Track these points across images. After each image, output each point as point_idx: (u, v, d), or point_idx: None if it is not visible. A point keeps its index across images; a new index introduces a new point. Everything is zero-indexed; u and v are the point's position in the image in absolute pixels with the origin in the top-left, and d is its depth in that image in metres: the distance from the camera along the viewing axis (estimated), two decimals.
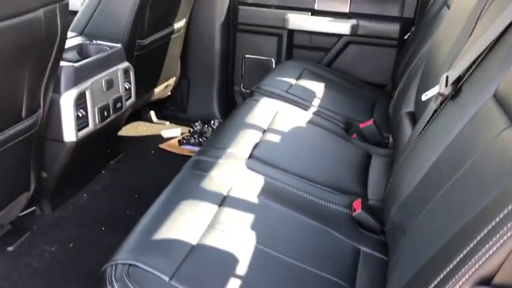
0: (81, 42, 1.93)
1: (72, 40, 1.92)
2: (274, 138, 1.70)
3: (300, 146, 1.73)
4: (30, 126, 1.51)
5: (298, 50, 2.72)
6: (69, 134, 1.70)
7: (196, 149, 2.51)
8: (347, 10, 2.59)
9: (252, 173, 1.45)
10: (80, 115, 1.72)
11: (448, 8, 1.89)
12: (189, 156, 2.41)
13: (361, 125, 1.97)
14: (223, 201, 1.29)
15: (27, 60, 1.36)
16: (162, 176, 2.26)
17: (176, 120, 2.85)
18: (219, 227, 1.19)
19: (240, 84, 2.85)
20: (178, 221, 1.18)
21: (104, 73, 1.83)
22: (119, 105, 1.94)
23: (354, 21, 2.57)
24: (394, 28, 2.53)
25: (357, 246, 1.30)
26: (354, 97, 2.30)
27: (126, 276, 0.99)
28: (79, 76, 1.70)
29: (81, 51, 1.91)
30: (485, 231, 0.76)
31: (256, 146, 1.62)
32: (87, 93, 1.73)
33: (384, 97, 2.43)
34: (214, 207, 1.26)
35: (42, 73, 1.47)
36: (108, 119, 1.88)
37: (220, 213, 1.24)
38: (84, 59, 1.86)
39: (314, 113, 2.00)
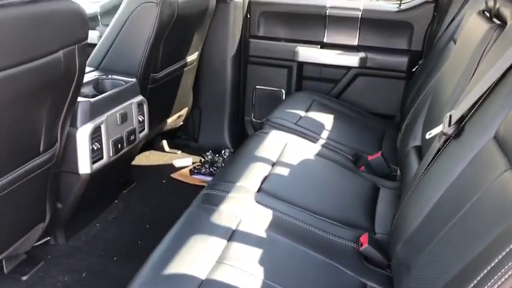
0: (97, 77, 2.00)
1: (89, 75, 2.00)
2: (283, 171, 1.74)
3: (308, 179, 1.76)
4: (47, 160, 1.56)
5: (308, 81, 2.78)
6: (84, 166, 1.76)
7: (207, 178, 2.56)
8: (356, 43, 2.65)
9: (260, 207, 1.48)
10: (95, 148, 1.77)
11: (455, 42, 1.94)
12: (200, 186, 2.48)
13: (370, 158, 2.00)
14: (232, 235, 1.32)
15: (47, 98, 1.42)
16: (173, 206, 2.31)
17: (188, 149, 2.90)
18: (228, 262, 1.21)
19: (250, 114, 2.91)
20: (188, 255, 1.21)
21: (119, 107, 1.89)
22: (132, 137, 2.00)
23: (362, 54, 2.62)
24: (402, 61, 2.58)
25: (363, 281, 1.32)
26: (362, 129, 2.33)
27: None
28: (95, 111, 1.76)
29: (97, 86, 1.98)
30: (485, 271, 0.79)
31: (265, 179, 1.65)
32: (102, 127, 1.79)
33: (393, 129, 2.47)
34: (223, 242, 1.29)
35: (60, 109, 1.53)
36: (122, 151, 1.94)
37: (229, 248, 1.27)
38: (100, 93, 1.93)
39: (323, 146, 2.03)
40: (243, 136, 2.92)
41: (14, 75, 1.21)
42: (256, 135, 2.01)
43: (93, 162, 1.79)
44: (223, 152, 2.73)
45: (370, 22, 2.61)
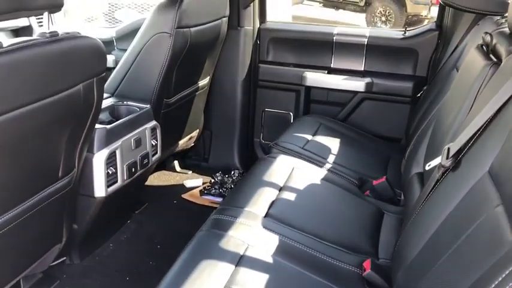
0: (113, 103, 2.09)
1: (105, 101, 2.08)
2: (290, 196, 1.80)
3: (314, 204, 1.83)
4: (65, 185, 1.65)
5: (315, 104, 2.85)
6: (100, 190, 1.84)
7: (217, 199, 2.63)
8: (362, 68, 2.73)
9: (267, 233, 1.55)
10: (110, 172, 1.86)
11: (457, 70, 2.00)
12: (210, 207, 2.55)
13: (375, 182, 2.06)
14: (239, 261, 1.39)
15: (67, 128, 1.51)
16: (184, 226, 2.38)
17: (198, 169, 2.98)
18: (236, 285, 1.28)
19: (259, 136, 2.99)
20: (198, 280, 1.28)
21: (133, 133, 1.98)
22: (145, 161, 2.08)
23: (368, 79, 2.69)
24: (407, 86, 2.65)
25: None
26: (368, 153, 2.39)
27: None
28: (110, 137, 1.85)
29: (113, 112, 2.08)
30: None
31: (272, 204, 1.72)
32: (117, 152, 1.88)
33: (398, 152, 2.51)
34: (231, 267, 1.35)
35: (78, 137, 1.62)
36: (136, 175, 2.02)
37: (237, 273, 1.34)
38: (116, 118, 2.02)
39: (328, 170, 2.10)
40: (252, 157, 2.99)
41: (37, 109, 1.30)
42: (264, 160, 2.08)
43: (108, 186, 1.87)
44: (232, 172, 2.81)
45: (375, 48, 2.68)
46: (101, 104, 1.64)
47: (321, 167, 2.11)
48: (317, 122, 2.56)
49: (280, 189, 1.84)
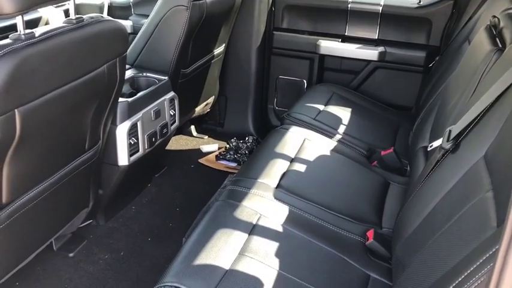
0: (133, 75, 2.19)
1: (126, 73, 2.18)
2: (300, 167, 1.91)
3: (323, 175, 1.93)
4: (92, 156, 1.78)
5: (329, 72, 2.90)
6: (123, 159, 1.97)
7: (232, 164, 2.76)
8: (375, 37, 2.75)
9: (278, 203, 1.67)
10: (132, 142, 1.98)
11: (469, 43, 2.03)
12: (225, 172, 2.68)
13: (383, 153, 2.14)
14: (252, 229, 1.52)
15: (92, 105, 1.62)
16: (201, 190, 2.53)
17: (214, 134, 3.09)
18: (249, 254, 1.41)
19: (273, 102, 3.07)
20: (214, 248, 1.41)
21: (153, 104, 2.08)
22: (165, 131, 2.19)
23: (381, 48, 2.73)
24: (420, 55, 2.68)
25: (367, 272, 1.50)
26: (378, 122, 2.47)
27: None
28: (132, 109, 1.96)
29: (133, 83, 2.17)
30: (463, 276, 0.95)
31: (283, 175, 1.83)
32: (139, 124, 1.99)
33: (408, 122, 2.59)
34: (245, 236, 1.49)
35: (103, 112, 1.73)
36: (156, 144, 2.14)
37: (250, 241, 1.47)
38: (136, 90, 2.12)
39: (339, 141, 2.19)
40: (265, 123, 3.09)
41: (66, 92, 1.41)
42: (277, 131, 2.18)
43: (131, 155, 1.99)
44: (246, 138, 2.91)
45: (390, 17, 2.70)
46: (124, 80, 1.74)
47: (331, 137, 2.20)
48: (330, 91, 2.62)
49: (292, 160, 1.94)
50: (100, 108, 1.69)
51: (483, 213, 1.06)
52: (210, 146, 2.93)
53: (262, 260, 1.40)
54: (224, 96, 3.06)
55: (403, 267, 1.30)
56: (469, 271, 0.94)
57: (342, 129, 2.29)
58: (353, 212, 1.74)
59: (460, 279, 0.96)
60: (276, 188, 1.76)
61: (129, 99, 1.95)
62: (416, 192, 1.51)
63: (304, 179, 1.86)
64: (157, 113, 2.11)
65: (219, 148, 2.93)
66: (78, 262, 2.00)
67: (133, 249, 2.10)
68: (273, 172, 1.84)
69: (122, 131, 1.92)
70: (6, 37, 1.22)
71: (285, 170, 1.87)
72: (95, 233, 2.16)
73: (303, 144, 2.07)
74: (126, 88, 2.12)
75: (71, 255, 2.02)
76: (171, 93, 2.22)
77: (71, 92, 1.42)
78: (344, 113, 2.43)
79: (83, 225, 2.09)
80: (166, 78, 2.20)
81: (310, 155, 2.00)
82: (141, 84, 2.17)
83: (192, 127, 3.07)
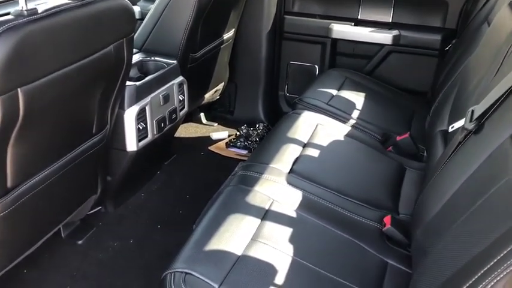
0: (141, 59, 2.14)
1: (133, 57, 2.13)
2: (313, 152, 1.85)
3: (337, 160, 1.87)
4: (99, 140, 1.73)
5: (341, 57, 2.83)
6: (131, 144, 1.92)
7: (242, 151, 2.70)
8: (389, 20, 2.67)
9: (291, 188, 1.61)
10: (141, 127, 1.93)
11: (488, 24, 1.95)
12: (235, 159, 2.63)
13: (398, 138, 2.07)
14: (265, 215, 1.47)
15: (99, 87, 1.57)
16: (211, 178, 2.48)
17: (224, 122, 3.04)
18: (261, 240, 1.36)
19: (284, 89, 3.00)
20: (226, 234, 1.36)
21: (161, 89, 2.03)
22: (174, 116, 2.14)
23: (396, 32, 2.65)
24: (435, 39, 2.59)
25: (384, 259, 1.44)
26: (392, 108, 2.40)
27: (182, 283, 1.19)
28: (140, 93, 1.91)
29: (141, 67, 2.12)
30: (488, 266, 0.89)
31: (296, 160, 1.78)
32: (147, 108, 1.94)
33: (423, 107, 2.51)
34: (257, 221, 1.43)
35: (110, 95, 1.68)
36: (165, 130, 2.09)
37: (263, 226, 1.42)
38: (144, 74, 2.07)
39: (352, 126, 2.12)
40: (276, 110, 3.02)
41: (71, 72, 1.36)
42: (289, 116, 2.12)
43: (139, 140, 1.95)
44: (257, 125, 2.86)
45: None
46: (131, 62, 1.69)
47: (344, 123, 2.14)
48: (342, 75, 2.55)
49: (304, 145, 1.89)
50: (107, 91, 1.64)
51: (510, 196, 0.99)
52: (220, 134, 2.88)
53: (276, 246, 1.35)
54: (234, 83, 2.99)
55: (425, 254, 1.24)
56: (496, 259, 0.88)
57: (355, 114, 2.22)
58: (369, 198, 1.68)
59: (485, 268, 0.90)
60: (289, 173, 1.70)
61: (137, 83, 1.90)
62: (436, 175, 1.45)
63: (317, 164, 1.80)
64: (166, 98, 2.06)
65: (229, 135, 2.88)
66: (87, 250, 1.97)
67: (143, 236, 2.06)
68: (286, 157, 1.78)
69: (130, 115, 1.87)
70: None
71: (297, 155, 1.81)
72: (103, 220, 2.12)
73: (315, 129, 2.00)
74: (134, 72, 2.07)
75: (79, 242, 1.99)
76: (180, 78, 2.17)
77: (77, 73, 1.37)
78: (357, 98, 2.36)
79: (91, 212, 2.05)
80: (175, 62, 2.15)
81: (323, 140, 1.94)
82: (149, 69, 2.12)
83: (202, 114, 3.02)
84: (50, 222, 1.73)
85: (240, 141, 2.74)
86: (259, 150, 1.87)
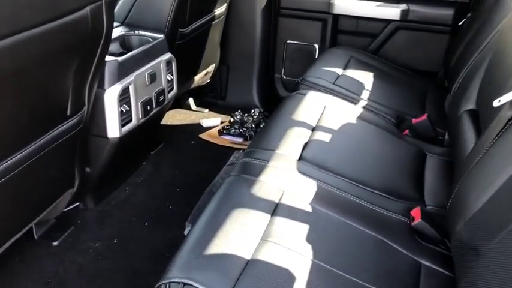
0: (123, 33, 1.87)
1: (115, 30, 1.86)
2: (324, 137, 1.62)
3: (351, 145, 1.64)
4: (75, 125, 1.47)
5: (343, 35, 2.60)
6: (113, 130, 1.67)
7: (237, 139, 2.46)
8: None
9: (303, 178, 1.38)
10: (124, 110, 1.68)
11: None
12: (230, 148, 2.39)
13: (414, 120, 1.86)
14: (275, 209, 1.23)
15: (73, 59, 1.31)
16: (203, 168, 2.23)
17: (215, 108, 2.80)
18: (273, 240, 1.13)
19: (281, 71, 2.76)
20: (230, 233, 1.12)
21: (147, 66, 1.78)
22: (161, 98, 1.89)
23: (404, 6, 2.42)
24: (447, 13, 2.38)
25: (417, 259, 1.22)
26: (404, 88, 2.18)
27: None
28: (123, 71, 1.65)
29: (124, 43, 1.86)
30: None
31: (305, 146, 1.54)
32: (131, 88, 1.69)
33: (436, 87, 2.31)
34: (267, 217, 1.20)
35: (87, 70, 1.42)
36: (151, 113, 1.84)
37: (273, 223, 1.18)
38: (127, 50, 1.81)
39: (364, 108, 1.90)
40: (273, 94, 2.79)
41: (40, 34, 1.10)
42: (293, 97, 1.88)
43: (122, 125, 1.69)
44: (252, 111, 2.61)
45: None
46: (111, 32, 1.43)
47: (355, 104, 1.91)
48: (347, 54, 2.32)
49: (313, 129, 1.65)
50: (84, 64, 1.38)
51: None
52: (212, 120, 2.63)
53: (291, 247, 1.12)
54: (226, 65, 2.75)
55: (476, 253, 1.01)
56: None
57: (365, 94, 2.00)
58: (391, 188, 1.46)
59: None
60: (299, 160, 1.46)
61: (119, 58, 1.64)
62: (477, 163, 1.22)
63: (330, 150, 1.57)
64: (153, 77, 1.80)
65: (221, 122, 2.63)
66: (64, 252, 1.71)
67: (128, 235, 1.80)
68: (293, 142, 1.55)
69: (111, 96, 1.61)
70: None
71: (306, 139, 1.58)
72: (83, 217, 1.86)
73: (324, 111, 1.77)
74: (115, 48, 1.81)
75: (55, 243, 1.73)
76: (168, 55, 1.91)
77: (47, 36, 1.11)
78: (366, 78, 2.14)
79: (68, 209, 1.79)
80: (162, 36, 1.89)
81: (333, 123, 1.71)
82: (132, 44, 1.86)
83: (191, 100, 2.77)
84: (19, 221, 1.47)
85: (235, 128, 2.49)
86: (262, 135, 1.63)
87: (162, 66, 1.87)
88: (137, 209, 1.94)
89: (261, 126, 2.52)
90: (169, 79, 1.94)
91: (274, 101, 2.77)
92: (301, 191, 1.32)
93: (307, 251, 1.12)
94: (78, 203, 1.85)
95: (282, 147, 1.50)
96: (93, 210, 1.90)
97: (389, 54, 2.50)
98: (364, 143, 1.68)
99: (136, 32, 1.89)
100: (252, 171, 1.37)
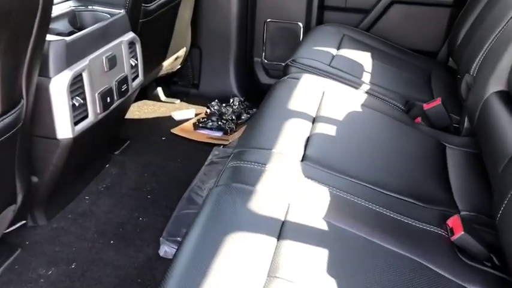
0: (72, 8, 1.52)
1: (62, 6, 1.51)
2: (328, 129, 1.32)
3: (361, 139, 1.36)
4: (11, 124, 1.12)
5: (331, 12, 2.31)
6: (64, 129, 1.32)
7: (215, 134, 2.14)
8: None
9: (311, 184, 1.08)
10: (77, 104, 1.33)
11: None
12: (207, 144, 2.07)
13: (425, 106, 1.60)
14: (281, 230, 0.93)
15: (0, 37, 0.96)
16: (177, 169, 1.91)
17: (188, 98, 2.47)
18: (283, 276, 0.83)
19: (261, 55, 2.44)
20: (226, 269, 0.82)
21: (105, 48, 1.43)
22: (124, 87, 1.55)
23: None
24: None
25: (464, 285, 0.95)
26: (407, 70, 1.92)
27: None
28: (73, 53, 1.30)
29: (74, 20, 1.51)
30: None
31: (308, 142, 1.24)
32: (85, 76, 1.34)
33: (439, 68, 2.05)
34: (272, 242, 0.90)
35: (22, 52, 1.07)
36: (112, 106, 1.50)
37: (281, 251, 0.88)
38: (78, 30, 1.46)
39: (367, 93, 1.62)
40: (252, 81, 2.48)
41: None
42: (284, 82, 1.57)
43: (76, 123, 1.35)
44: (231, 101, 2.29)
45: None
46: (51, 1, 1.08)
47: (356, 88, 1.63)
48: (338, 32, 2.04)
49: (314, 120, 1.35)
50: (16, 44, 1.03)
51: None
52: (185, 112, 2.30)
53: (307, 284, 0.82)
54: (198, 49, 2.43)
55: None
56: None
57: (366, 77, 1.72)
58: (416, 191, 1.18)
59: None
60: (302, 160, 1.16)
61: (67, 38, 1.29)
62: None
63: (338, 147, 1.28)
64: (112, 61, 1.46)
65: (196, 114, 2.30)
66: (7, 284, 1.36)
67: (90, 257, 1.47)
68: (292, 138, 1.25)
69: (58, 86, 1.27)
70: None
71: (307, 134, 1.28)
72: (32, 238, 1.51)
73: (323, 98, 1.47)
74: (63, 26, 1.46)
75: None
76: (131, 34, 1.57)
77: None
78: (363, 58, 1.86)
79: (11, 229, 1.44)
80: (122, 11, 1.54)
81: (336, 111, 1.42)
82: (86, 22, 1.51)
83: (159, 89, 2.43)
84: None
85: (212, 121, 2.17)
86: (252, 131, 1.32)
87: (124, 49, 1.52)
88: (100, 224, 1.60)
89: (242, 117, 2.21)
90: (133, 64, 1.61)
91: (254, 89, 2.48)
92: (310, 202, 1.03)
93: (328, 286, 0.83)
94: (24, 221, 1.50)
95: (280, 145, 1.20)
96: (45, 227, 1.55)
97: (384, 32, 2.23)
98: (376, 135, 1.39)
99: (90, 7, 1.53)
100: (245, 179, 1.06)
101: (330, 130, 1.32)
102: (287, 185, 1.05)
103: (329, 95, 1.49)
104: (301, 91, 1.48)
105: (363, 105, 1.51)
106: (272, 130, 1.27)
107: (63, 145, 1.35)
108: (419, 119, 1.57)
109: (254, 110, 2.27)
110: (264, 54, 2.43)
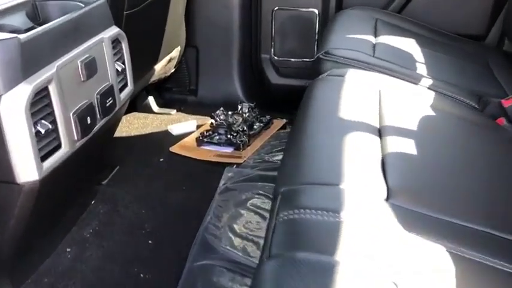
0: None
1: None
2: (404, 146, 0.94)
3: (449, 158, 0.97)
4: None
5: None
6: (26, 168, 0.92)
7: (225, 150, 1.74)
8: None
9: (417, 242, 0.69)
10: (43, 131, 0.93)
11: None
12: (217, 163, 1.68)
13: (505, 103, 1.24)
14: None
15: None
16: (182, 199, 1.51)
17: (185, 107, 2.10)
18: None
19: (269, 50, 2.06)
20: None
21: (80, 49, 1.03)
22: (109, 101, 1.14)
23: None
24: None
25: None
26: (462, 58, 1.56)
27: None
28: (32, 58, 0.90)
29: (34, 14, 1.10)
30: None
31: (384, 168, 0.85)
32: (52, 89, 0.94)
33: (494, 54, 1.69)
34: None
35: None
36: (95, 129, 1.10)
37: None
38: (40, 25, 1.05)
39: (431, 89, 1.25)
40: (260, 82, 2.10)
41: None
42: (323, 81, 1.19)
43: (43, 158, 0.95)
44: (239, 107, 1.90)
45: None
46: None
47: (416, 84, 1.26)
48: (369, 17, 1.69)
49: (380, 133, 0.97)
50: None
51: None
52: (184, 125, 1.91)
53: None
54: (194, 48, 2.06)
55: None
56: None
57: (421, 70, 1.34)
58: None
59: None
60: (388, 199, 0.77)
61: (22, 36, 0.89)
62: None
63: (426, 172, 0.90)
64: (91, 67, 1.05)
65: (198, 127, 1.90)
66: None
67: None
68: (363, 164, 0.86)
69: (12, 106, 0.87)
70: None
71: (379, 155, 0.89)
72: None
73: (381, 100, 1.09)
74: (21, 21, 1.06)
75: None
76: (114, 29, 1.17)
77: None
78: (409, 47, 1.51)
79: None
80: (102, 0, 1.14)
81: (404, 118, 1.04)
82: (51, 15, 1.10)
83: (150, 99, 2.03)
84: None
85: (219, 134, 1.77)
86: (298, 154, 0.92)
87: (106, 49, 1.12)
88: (87, 283, 1.20)
89: (255, 127, 1.82)
90: (120, 69, 1.21)
91: (264, 91, 2.11)
92: (428, 279, 0.64)
93: None
94: None
95: (348, 176, 0.81)
96: None
97: (417, 14, 1.86)
98: (465, 149, 1.02)
99: None
100: (315, 243, 0.67)
101: (407, 146, 0.93)
102: (385, 251, 0.66)
103: (388, 95, 1.11)
104: (351, 92, 1.10)
105: (432, 106, 1.13)
106: (330, 153, 0.88)
107: (26, 191, 0.94)
108: (502, 120, 1.20)
109: (268, 117, 1.88)
110: (273, 49, 2.06)
